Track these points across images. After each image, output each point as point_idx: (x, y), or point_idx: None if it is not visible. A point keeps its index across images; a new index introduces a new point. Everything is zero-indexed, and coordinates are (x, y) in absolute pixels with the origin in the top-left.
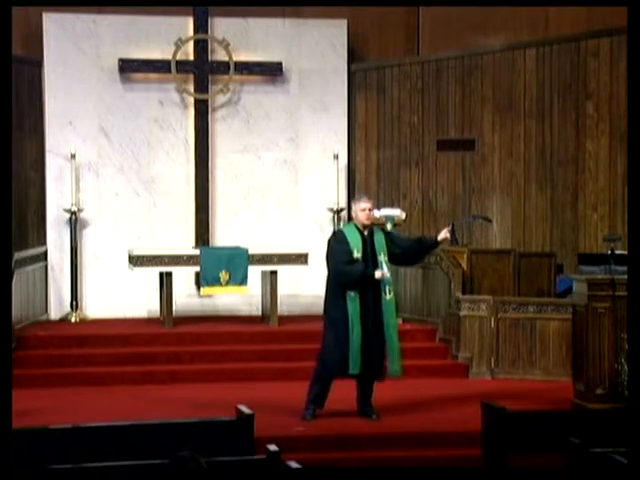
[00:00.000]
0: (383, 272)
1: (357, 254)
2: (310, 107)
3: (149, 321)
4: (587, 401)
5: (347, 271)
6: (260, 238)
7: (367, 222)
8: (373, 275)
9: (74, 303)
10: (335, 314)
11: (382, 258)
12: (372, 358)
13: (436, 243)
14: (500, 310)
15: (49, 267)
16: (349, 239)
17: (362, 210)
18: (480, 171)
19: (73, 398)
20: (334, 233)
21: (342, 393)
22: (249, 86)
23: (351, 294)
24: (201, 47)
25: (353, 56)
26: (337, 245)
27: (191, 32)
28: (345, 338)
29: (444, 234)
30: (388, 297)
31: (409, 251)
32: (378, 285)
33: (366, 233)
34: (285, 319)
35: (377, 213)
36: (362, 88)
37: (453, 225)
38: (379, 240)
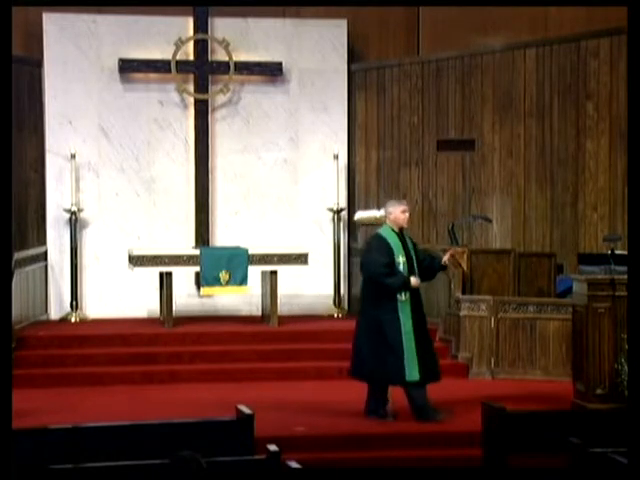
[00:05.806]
0: (417, 279)
1: (402, 258)
2: (310, 107)
3: (149, 321)
4: (587, 401)
5: (387, 283)
6: (260, 238)
7: (406, 225)
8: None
9: (74, 303)
10: (384, 317)
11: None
12: (427, 360)
13: (442, 267)
14: (500, 310)
15: (49, 267)
16: (391, 245)
17: (403, 212)
18: (480, 171)
19: (73, 398)
20: (374, 238)
21: (344, 394)
22: (249, 86)
23: (402, 297)
24: (201, 47)
25: (353, 56)
26: (376, 253)
27: (191, 32)
28: (399, 343)
29: (447, 258)
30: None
31: (424, 264)
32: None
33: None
34: (285, 319)
35: (377, 213)
36: (362, 88)
37: (453, 225)
38: (410, 243)
